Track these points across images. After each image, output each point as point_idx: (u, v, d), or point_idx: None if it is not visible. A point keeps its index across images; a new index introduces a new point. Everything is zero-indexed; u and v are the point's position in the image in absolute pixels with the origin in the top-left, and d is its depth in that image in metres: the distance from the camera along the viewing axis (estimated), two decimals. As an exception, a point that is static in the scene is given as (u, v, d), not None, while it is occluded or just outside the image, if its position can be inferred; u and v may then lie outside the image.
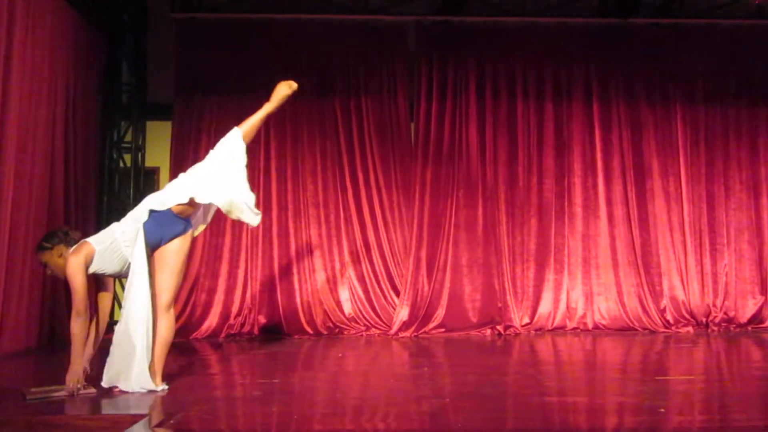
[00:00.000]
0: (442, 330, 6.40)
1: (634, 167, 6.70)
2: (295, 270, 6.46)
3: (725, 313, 6.59)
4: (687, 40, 6.83)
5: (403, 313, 6.38)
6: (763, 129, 6.86)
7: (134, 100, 6.91)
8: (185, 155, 6.49)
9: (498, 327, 6.41)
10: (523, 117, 6.73)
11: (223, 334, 6.26)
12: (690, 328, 6.44)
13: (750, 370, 4.44)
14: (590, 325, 6.48)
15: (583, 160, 6.73)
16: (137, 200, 6.69)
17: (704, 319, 6.54)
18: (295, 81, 6.95)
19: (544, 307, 6.53)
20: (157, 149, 6.83)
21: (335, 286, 6.51)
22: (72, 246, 3.57)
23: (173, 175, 6.50)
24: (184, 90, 6.58)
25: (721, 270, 6.67)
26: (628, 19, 6.62)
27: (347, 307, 6.47)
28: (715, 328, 6.49)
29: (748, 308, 6.62)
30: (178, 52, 6.61)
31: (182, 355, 5.30)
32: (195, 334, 6.23)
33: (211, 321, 6.30)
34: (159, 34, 6.86)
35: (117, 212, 6.73)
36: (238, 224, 6.45)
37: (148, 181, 6.92)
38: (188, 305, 6.28)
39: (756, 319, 6.60)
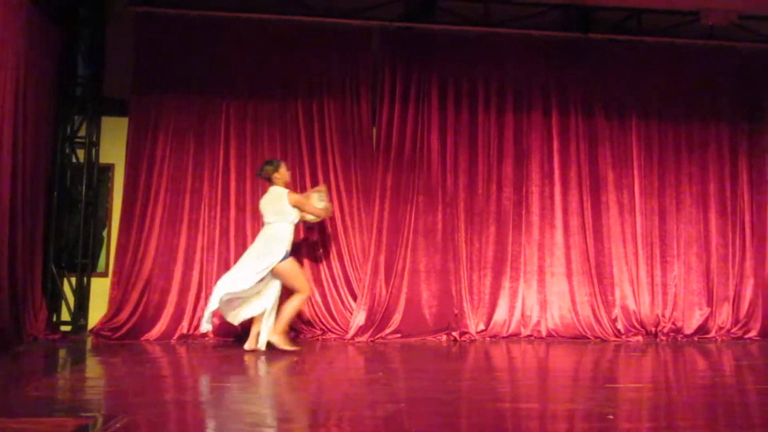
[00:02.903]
0: (399, 335, 6.40)
1: (590, 178, 6.85)
2: (251, 272, 6.36)
3: (673, 324, 6.78)
4: (643, 56, 7.02)
5: (359, 318, 6.36)
6: (713, 147, 7.09)
7: (89, 95, 6.72)
8: (141, 152, 6.35)
9: (454, 333, 6.44)
10: (484, 126, 6.80)
11: (175, 337, 6.13)
12: (640, 338, 6.60)
13: (695, 379, 4.57)
14: (544, 333, 6.57)
15: (541, 170, 6.84)
16: (89, 197, 6.57)
17: (653, 329, 6.71)
18: (257, 81, 6.95)
19: (500, 314, 6.60)
20: (113, 146, 6.65)
21: (292, 289, 6.43)
22: None
23: (129, 172, 6.36)
24: (142, 86, 6.43)
25: (671, 281, 6.86)
26: (587, 34, 6.76)
27: (304, 310, 6.41)
28: (664, 338, 6.66)
29: (694, 319, 6.82)
30: (136, 47, 6.46)
31: (132, 357, 5.17)
32: (146, 335, 6.08)
33: (163, 323, 6.15)
34: (117, 28, 6.69)
35: (68, 209, 6.56)
36: (194, 225, 6.35)
37: (102, 178, 6.73)
38: (139, 306, 6.11)
39: (702, 329, 6.80)
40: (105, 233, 6.73)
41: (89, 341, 6.03)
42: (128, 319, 6.07)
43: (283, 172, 5.67)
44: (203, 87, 6.50)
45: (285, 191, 5.58)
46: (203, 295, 6.26)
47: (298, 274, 5.56)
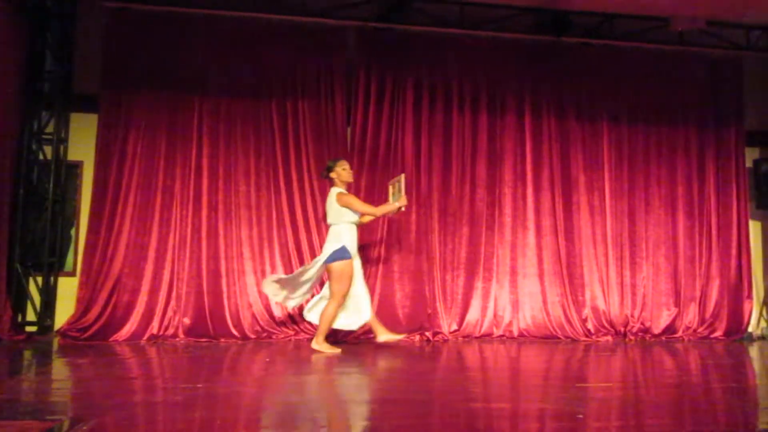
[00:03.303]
0: (372, 335, 6.39)
1: (561, 180, 6.93)
2: (223, 272, 6.31)
3: (642, 324, 6.90)
4: (614, 60, 7.13)
5: (333, 318, 6.33)
6: (681, 150, 7.24)
7: (57, 90, 6.58)
8: (112, 150, 6.25)
9: (427, 333, 6.47)
10: (458, 127, 6.84)
11: (145, 337, 6.04)
12: (609, 338, 6.71)
13: (663, 378, 4.65)
14: (516, 333, 6.63)
15: (514, 171, 6.90)
16: (57, 194, 6.43)
17: (622, 329, 6.82)
18: (231, 79, 6.86)
19: (473, 314, 6.64)
20: (82, 143, 6.51)
21: (265, 289, 6.39)
22: None
23: (98, 169, 6.25)
24: (113, 82, 6.33)
25: (640, 282, 6.98)
26: (560, 38, 6.84)
27: (277, 311, 6.37)
28: (632, 338, 6.78)
29: (662, 319, 6.95)
30: (107, 43, 6.35)
31: (100, 358, 5.08)
32: (115, 336, 5.99)
33: (133, 323, 6.07)
34: (87, 23, 6.57)
35: (34, 207, 6.41)
36: (165, 224, 6.27)
37: (70, 175, 6.60)
38: (108, 306, 6.02)
39: (669, 329, 6.94)
40: (73, 232, 6.60)
41: (56, 342, 5.91)
42: (96, 319, 5.97)
43: (338, 171, 5.53)
44: (175, 84, 6.42)
45: (336, 191, 5.47)
46: (174, 294, 6.19)
47: (341, 280, 5.33)
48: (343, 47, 6.74)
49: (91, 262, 6.08)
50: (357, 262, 5.55)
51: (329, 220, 5.50)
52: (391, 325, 6.47)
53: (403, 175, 5.65)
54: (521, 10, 6.74)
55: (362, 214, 5.60)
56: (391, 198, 5.70)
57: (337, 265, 5.33)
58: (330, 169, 5.58)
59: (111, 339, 5.95)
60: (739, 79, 7.40)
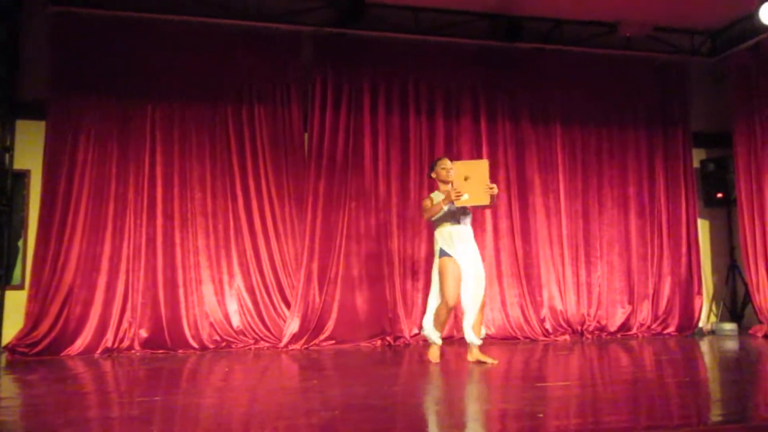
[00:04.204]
0: (333, 342, 6.37)
1: (517, 182, 7.04)
2: (180, 281, 6.18)
3: (598, 322, 7.05)
4: (566, 65, 7.29)
5: (293, 326, 6.29)
6: (632, 151, 7.44)
7: (2, 97, 6.33)
8: (61, 158, 6.06)
9: (388, 338, 6.47)
10: (415, 131, 6.88)
11: (99, 350, 5.87)
12: (567, 337, 6.83)
13: (619, 375, 4.76)
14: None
15: (471, 174, 6.96)
16: (2, 204, 6.19)
17: (579, 328, 6.95)
18: (184, 85, 6.69)
19: (433, 317, 6.66)
20: (28, 151, 6.28)
21: (223, 298, 6.30)
22: None
23: (46, 178, 6.05)
24: (61, 88, 6.14)
25: (595, 281, 7.13)
26: (514, 43, 6.95)
27: (235, 320, 6.28)
28: (589, 336, 6.92)
29: (617, 317, 7.12)
30: (54, 48, 6.16)
31: (51, 374, 4.91)
32: (67, 350, 5.80)
33: (86, 336, 5.89)
34: (33, 27, 6.36)
35: (-21, 218, 6.16)
36: (119, 233, 6.12)
37: (17, 185, 6.35)
38: (60, 319, 5.82)
39: (624, 327, 7.10)
40: (20, 243, 6.36)
41: (3, 358, 5.68)
42: (47, 333, 5.77)
43: (438, 171, 5.11)
44: (127, 90, 6.27)
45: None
46: (129, 305, 6.04)
47: (443, 277, 4.92)
48: (298, 52, 6.70)
49: (41, 275, 5.88)
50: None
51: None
52: (352, 331, 6.46)
53: (454, 163, 4.98)
54: (475, 15, 6.83)
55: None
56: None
57: (437, 264, 5.01)
58: (431, 169, 5.21)
59: (63, 353, 5.76)
60: (685, 83, 7.65)
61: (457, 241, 4.93)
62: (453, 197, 4.74)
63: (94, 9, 6.13)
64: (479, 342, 4.95)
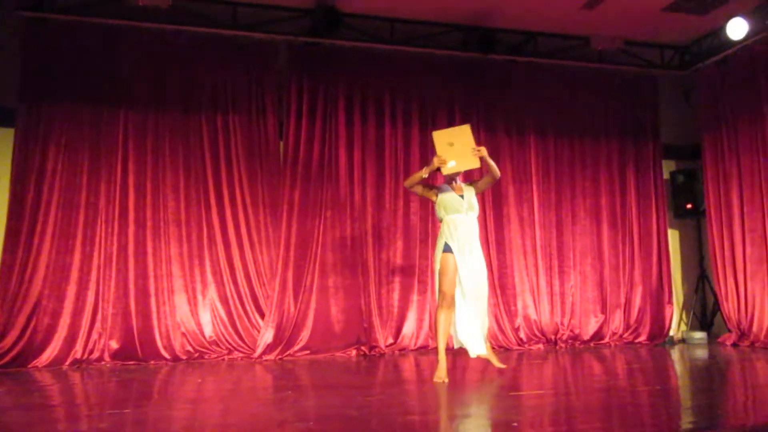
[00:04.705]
0: (308, 352, 6.33)
1: (492, 193, 7.09)
2: (152, 291, 6.09)
3: (571, 331, 7.12)
4: (539, 77, 7.38)
5: (267, 336, 6.23)
6: (604, 163, 7.55)
7: (-30, 103, 6.20)
8: (30, 165, 5.94)
9: (363, 347, 6.45)
10: (391, 140, 6.90)
11: (68, 362, 5.75)
12: (541, 345, 6.88)
13: (592, 383, 4.80)
14: (451, 345, 6.67)
15: (446, 184, 6.99)
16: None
17: (553, 337, 7.01)
18: (158, 93, 6.58)
19: (408, 327, 6.67)
20: (-4, 158, 6.16)
21: (196, 308, 6.22)
22: None
23: (14, 187, 5.92)
24: (31, 95, 6.02)
25: (568, 290, 7.21)
26: (487, 55, 7.03)
27: (208, 330, 6.21)
28: (563, 345, 6.98)
29: (590, 326, 7.19)
30: (25, 54, 6.05)
31: (18, 386, 4.79)
32: (35, 362, 5.67)
33: (54, 347, 5.76)
34: (3, 33, 6.25)
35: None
36: (89, 241, 6.01)
37: (-16, 193, 6.21)
38: (27, 330, 5.69)
39: (597, 336, 7.18)
40: (-13, 253, 6.20)
41: (-32, 371, 5.53)
42: (14, 345, 5.64)
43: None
44: (99, 97, 6.19)
45: None
46: (99, 316, 5.93)
47: (440, 275, 4.71)
48: (273, 61, 6.68)
49: (8, 285, 5.74)
50: (462, 270, 4.73)
51: None
52: (327, 341, 6.43)
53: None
54: (449, 27, 6.89)
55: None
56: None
57: (436, 261, 4.77)
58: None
59: (30, 365, 5.63)
60: (655, 96, 7.80)
61: (460, 235, 4.69)
62: (437, 164, 4.59)
63: (66, 15, 6.04)
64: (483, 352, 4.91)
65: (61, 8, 6.04)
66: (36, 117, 6.02)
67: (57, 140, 6.03)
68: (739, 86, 7.02)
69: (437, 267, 4.77)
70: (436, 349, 4.82)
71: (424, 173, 4.71)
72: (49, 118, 6.04)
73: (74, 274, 5.92)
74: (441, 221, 4.86)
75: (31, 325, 5.73)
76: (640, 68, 7.57)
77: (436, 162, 4.60)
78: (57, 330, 5.80)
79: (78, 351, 5.80)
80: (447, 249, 4.73)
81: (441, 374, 4.60)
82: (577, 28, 6.94)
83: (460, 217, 4.78)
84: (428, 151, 6.97)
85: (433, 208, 6.88)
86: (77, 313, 5.87)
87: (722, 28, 6.64)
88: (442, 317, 4.71)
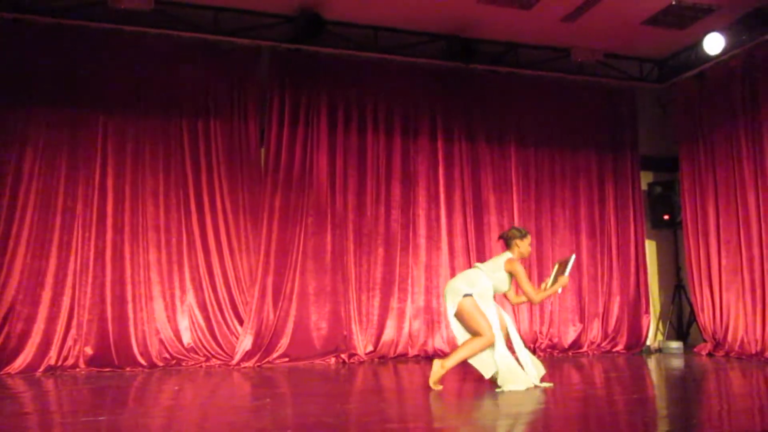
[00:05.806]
0: (287, 359, 6.29)
1: (473, 201, 7.13)
2: (129, 297, 6.02)
3: (550, 340, 7.16)
4: (520, 88, 7.45)
5: (246, 343, 6.19)
6: (583, 173, 7.63)
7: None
8: (5, 169, 5.86)
9: (342, 355, 6.42)
10: (373, 148, 6.91)
11: (41, 368, 5.65)
12: (520, 354, 6.89)
13: (571, 392, 4.82)
14: (431, 352, 6.70)
15: (427, 193, 7.03)
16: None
17: (532, 345, 7.04)
18: (138, 97, 6.50)
19: (388, 334, 6.66)
20: (-29, 161, 6.05)
21: (174, 314, 6.15)
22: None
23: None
24: (7, 98, 5.93)
25: (547, 300, 7.24)
26: (469, 65, 7.08)
27: (186, 337, 6.14)
28: (541, 354, 7.01)
29: (569, 335, 7.25)
30: (3, 55, 5.96)
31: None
32: (7, 368, 5.56)
33: (28, 353, 5.66)
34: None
35: None
36: (65, 246, 5.93)
37: (-42, 196, 6.09)
38: (0, 336, 5.59)
39: (575, 345, 7.23)
40: (-40, 256, 6.09)
41: (-62, 377, 5.41)
42: (-15, 350, 5.52)
43: (524, 245, 4.92)
44: (77, 100, 6.12)
45: (509, 256, 4.87)
46: (74, 322, 5.84)
47: (472, 314, 4.67)
48: (255, 67, 6.67)
49: (-19, 289, 5.64)
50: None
51: (482, 266, 4.89)
52: (307, 348, 6.39)
53: (573, 256, 5.04)
54: (432, 36, 6.93)
55: (517, 291, 5.21)
56: (550, 279, 4.97)
57: (466, 302, 4.69)
58: (520, 237, 4.93)
59: (2, 372, 5.52)
60: (633, 108, 7.92)
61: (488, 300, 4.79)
62: (562, 286, 4.90)
63: (43, 17, 5.97)
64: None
65: (37, 9, 5.96)
66: (12, 120, 5.93)
67: (34, 143, 5.95)
68: (715, 100, 7.14)
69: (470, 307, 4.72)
70: (445, 356, 4.91)
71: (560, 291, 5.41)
72: (26, 120, 5.96)
73: (49, 279, 5.83)
74: (488, 281, 4.81)
75: (4, 330, 5.63)
76: (619, 80, 7.67)
77: (561, 285, 4.90)
78: (31, 336, 5.70)
79: (52, 357, 5.71)
80: (468, 295, 4.72)
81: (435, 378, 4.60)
82: (558, 40, 7.03)
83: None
84: (410, 160, 7.00)
85: (414, 215, 6.93)
86: (52, 319, 5.78)
87: (700, 42, 6.77)
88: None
